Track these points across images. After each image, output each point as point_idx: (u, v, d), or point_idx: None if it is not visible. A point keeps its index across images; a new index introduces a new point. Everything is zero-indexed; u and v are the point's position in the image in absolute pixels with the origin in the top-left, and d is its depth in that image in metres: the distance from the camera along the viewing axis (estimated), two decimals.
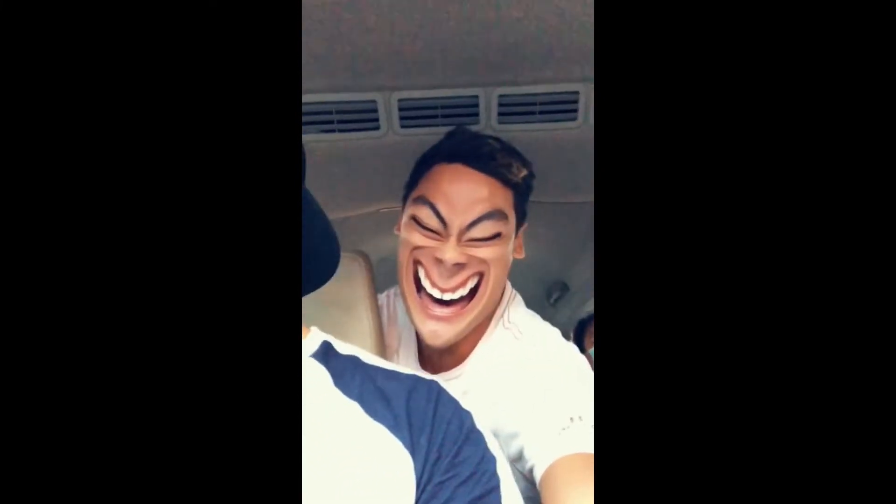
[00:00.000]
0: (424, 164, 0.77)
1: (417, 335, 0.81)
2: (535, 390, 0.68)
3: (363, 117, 0.84)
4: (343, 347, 0.57)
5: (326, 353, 0.55)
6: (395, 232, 0.80)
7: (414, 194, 0.75)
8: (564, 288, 1.77)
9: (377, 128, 0.86)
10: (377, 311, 0.79)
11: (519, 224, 0.78)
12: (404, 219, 0.76)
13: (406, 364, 0.82)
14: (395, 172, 0.85)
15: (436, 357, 0.80)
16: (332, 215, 1.10)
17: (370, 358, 0.57)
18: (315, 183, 0.89)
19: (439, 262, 0.70)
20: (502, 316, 0.80)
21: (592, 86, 0.81)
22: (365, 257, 0.81)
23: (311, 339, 0.55)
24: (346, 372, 0.52)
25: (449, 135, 0.79)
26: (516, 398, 0.69)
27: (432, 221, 0.71)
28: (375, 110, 0.83)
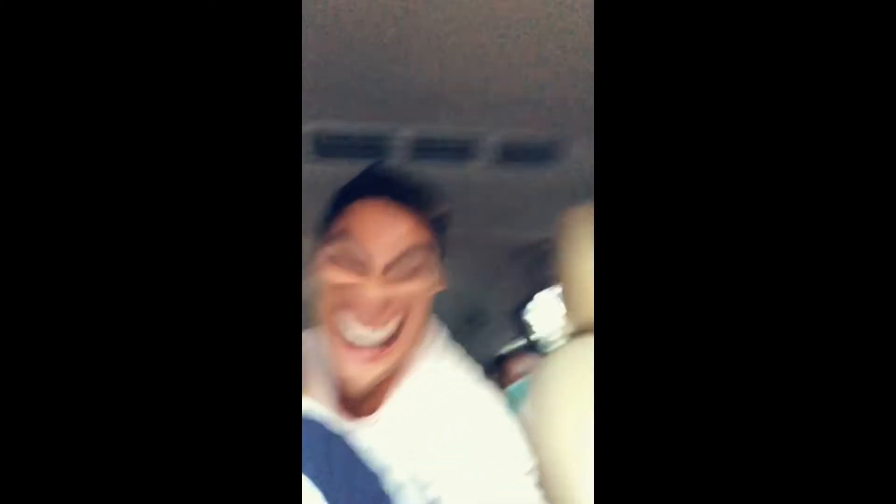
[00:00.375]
0: (343, 199, 0.74)
1: (336, 378, 0.76)
2: (450, 437, 0.66)
3: None
4: None
5: None
6: (309, 276, 0.75)
7: (333, 230, 0.72)
8: (484, 315, 1.80)
9: None
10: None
11: (441, 258, 0.78)
12: (321, 258, 0.72)
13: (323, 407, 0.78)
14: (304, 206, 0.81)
15: (355, 401, 0.76)
16: None
17: None
18: None
19: (362, 300, 0.67)
20: (425, 355, 0.77)
21: (497, 131, 0.84)
22: None
23: None
24: None
25: (368, 169, 0.77)
26: (432, 445, 0.67)
27: (354, 257, 0.68)
28: None
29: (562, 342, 0.89)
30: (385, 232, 0.69)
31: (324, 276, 0.70)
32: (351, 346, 0.68)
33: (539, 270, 1.38)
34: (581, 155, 0.89)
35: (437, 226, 0.75)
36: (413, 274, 0.69)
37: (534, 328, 1.71)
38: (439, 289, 0.77)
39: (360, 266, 0.68)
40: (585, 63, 0.70)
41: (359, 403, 0.74)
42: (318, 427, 0.51)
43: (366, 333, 0.68)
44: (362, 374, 0.69)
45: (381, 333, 0.68)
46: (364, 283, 0.67)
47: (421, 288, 0.70)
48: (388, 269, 0.68)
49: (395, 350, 0.70)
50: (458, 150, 0.86)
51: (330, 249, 0.70)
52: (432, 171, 0.85)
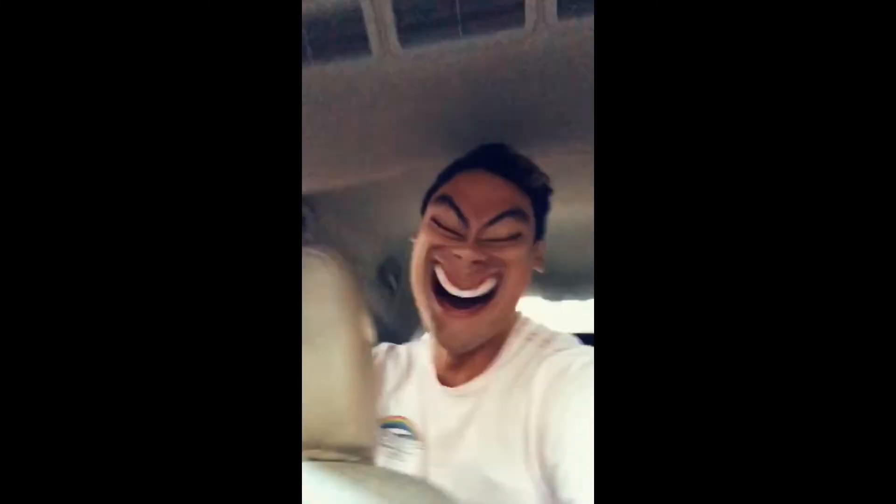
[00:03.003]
0: (445, 176, 0.77)
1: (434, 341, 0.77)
2: (574, 410, 0.62)
3: (345, 34, 0.57)
4: None
5: None
6: (412, 239, 0.77)
7: (434, 197, 0.75)
8: None
9: (367, 50, 0.58)
10: (361, 328, 0.54)
11: (538, 233, 0.76)
12: (423, 223, 0.75)
13: (423, 391, 0.79)
14: (404, 115, 0.67)
15: (451, 371, 0.77)
16: (339, 181, 0.93)
17: None
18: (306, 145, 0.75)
19: (458, 259, 0.69)
20: (523, 326, 0.77)
21: None
22: (338, 257, 0.52)
23: None
24: None
25: (472, 152, 0.78)
26: (555, 419, 0.64)
27: (451, 220, 0.71)
28: (361, 21, 0.56)
29: None
30: (483, 194, 0.71)
31: (422, 239, 0.74)
32: (446, 305, 0.70)
33: None
34: None
35: (538, 197, 0.76)
36: (510, 238, 0.70)
37: None
38: (539, 267, 0.77)
39: (457, 228, 0.71)
40: None
41: (454, 373, 0.76)
42: None
43: (460, 291, 0.69)
44: (459, 332, 0.70)
45: (475, 292, 0.69)
46: (459, 245, 0.69)
47: (517, 254, 0.70)
48: (483, 230, 0.70)
49: (490, 311, 0.70)
50: None
51: (430, 214, 0.73)
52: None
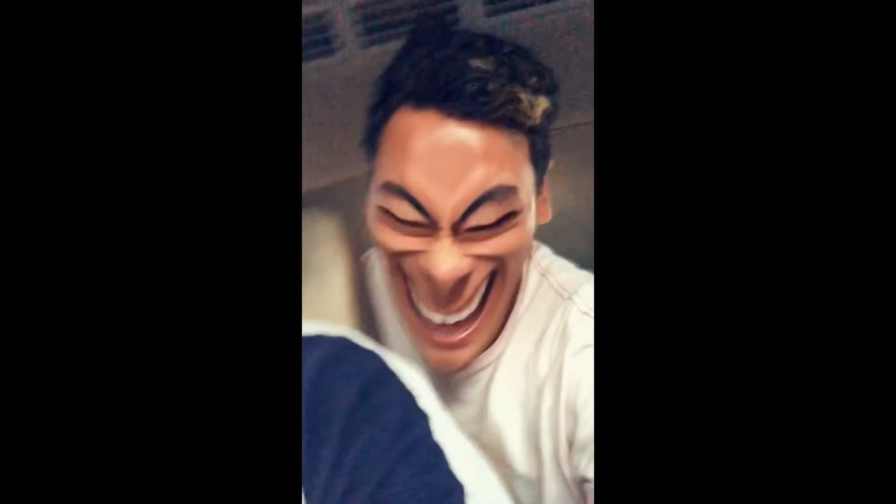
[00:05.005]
0: (381, 110, 0.50)
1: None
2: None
3: (309, 33, 0.54)
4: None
5: None
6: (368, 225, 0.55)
7: (378, 176, 0.49)
8: None
9: (330, 47, 0.54)
10: (355, 276, 0.55)
11: (540, 177, 0.52)
12: (371, 207, 0.51)
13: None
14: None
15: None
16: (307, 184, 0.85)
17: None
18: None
19: (431, 275, 0.47)
20: (533, 275, 0.58)
21: None
22: (338, 214, 0.57)
23: None
24: None
25: (406, 50, 0.49)
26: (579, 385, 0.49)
27: (411, 214, 0.47)
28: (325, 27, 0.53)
29: None
30: (448, 169, 0.45)
31: (378, 238, 0.50)
32: (429, 331, 0.52)
33: None
34: None
35: (537, 129, 0.49)
36: (499, 222, 0.47)
37: None
38: (544, 218, 0.56)
39: (421, 222, 0.47)
40: None
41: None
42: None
43: (444, 317, 0.50)
44: (451, 359, 0.52)
45: (463, 313, 0.51)
46: (431, 249, 0.47)
47: (512, 239, 0.49)
48: (460, 223, 0.47)
49: (488, 317, 0.52)
50: None
51: (378, 201, 0.49)
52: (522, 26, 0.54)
